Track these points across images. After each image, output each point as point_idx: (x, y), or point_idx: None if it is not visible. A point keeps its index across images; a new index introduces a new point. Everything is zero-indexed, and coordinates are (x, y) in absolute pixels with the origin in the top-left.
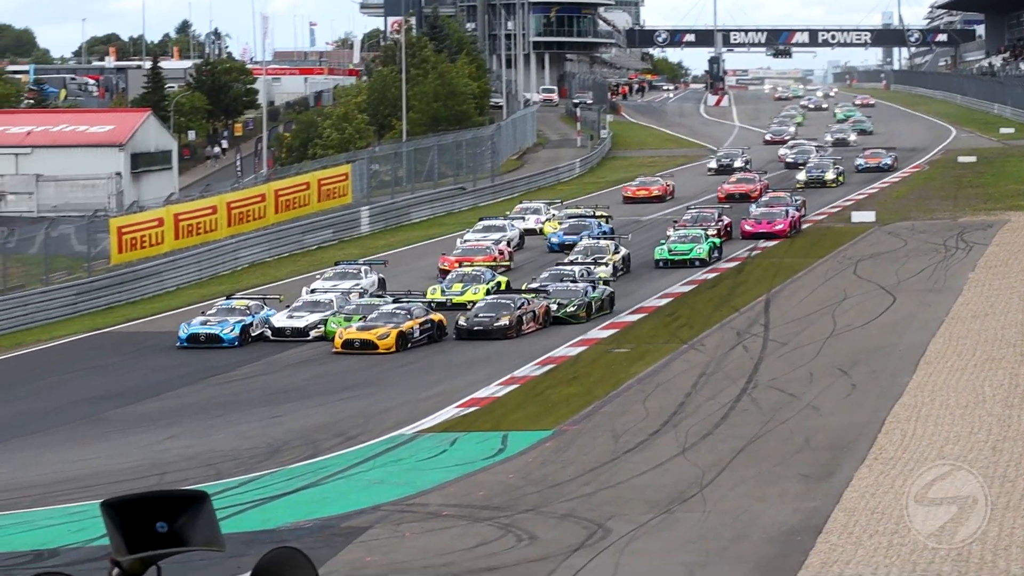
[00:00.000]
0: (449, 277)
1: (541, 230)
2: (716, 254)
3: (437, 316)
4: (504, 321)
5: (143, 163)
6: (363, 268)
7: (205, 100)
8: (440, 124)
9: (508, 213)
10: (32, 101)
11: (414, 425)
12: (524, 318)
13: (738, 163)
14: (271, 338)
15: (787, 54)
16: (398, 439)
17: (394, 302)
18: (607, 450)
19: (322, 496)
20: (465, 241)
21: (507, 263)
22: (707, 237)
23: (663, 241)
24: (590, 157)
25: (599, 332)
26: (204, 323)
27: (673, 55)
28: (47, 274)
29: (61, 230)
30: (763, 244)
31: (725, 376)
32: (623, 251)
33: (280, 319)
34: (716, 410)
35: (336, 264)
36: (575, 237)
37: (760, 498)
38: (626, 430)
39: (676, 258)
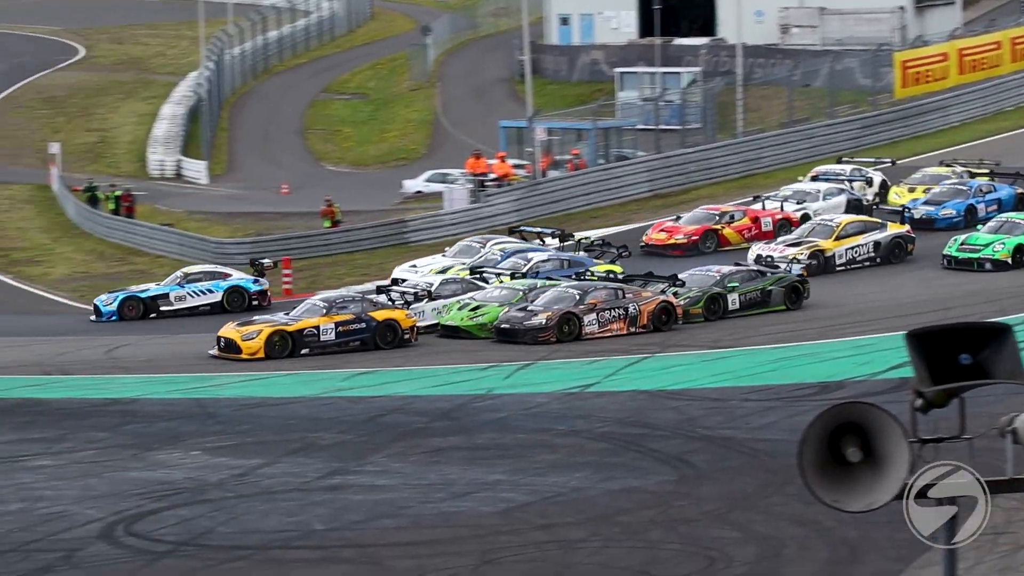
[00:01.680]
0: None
1: (865, 201)
2: None
3: (387, 314)
4: (539, 320)
5: None
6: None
7: None
8: None
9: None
10: None
11: None
12: (600, 317)
13: None
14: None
15: None
16: None
17: (377, 293)
18: None
19: None
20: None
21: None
22: None
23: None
24: None
25: None
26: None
27: None
28: (832, 107)
29: (845, 63)
30: None
31: None
32: (891, 231)
33: None
34: None
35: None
36: (933, 209)
37: None
38: None
39: (963, 255)
